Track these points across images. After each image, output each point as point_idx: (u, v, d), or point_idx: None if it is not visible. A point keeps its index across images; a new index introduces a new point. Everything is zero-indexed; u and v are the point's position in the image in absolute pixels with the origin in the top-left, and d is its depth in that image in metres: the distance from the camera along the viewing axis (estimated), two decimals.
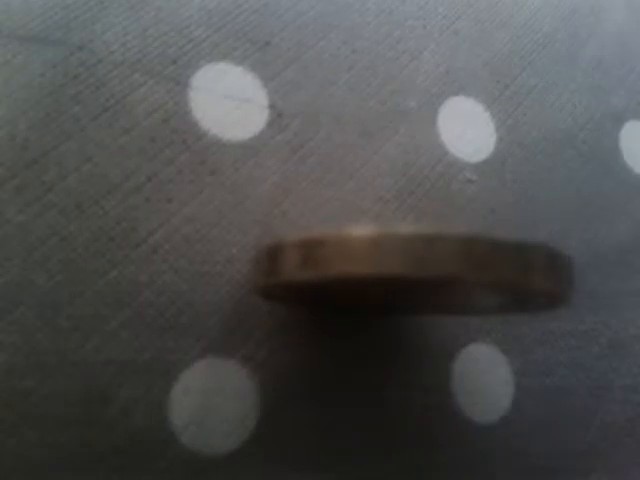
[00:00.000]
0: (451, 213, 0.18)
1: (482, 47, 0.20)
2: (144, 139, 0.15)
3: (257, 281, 0.12)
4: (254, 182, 0.16)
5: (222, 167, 0.16)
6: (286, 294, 0.13)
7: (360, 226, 0.11)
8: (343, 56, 0.18)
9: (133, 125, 0.15)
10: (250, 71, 0.17)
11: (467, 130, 0.19)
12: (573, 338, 0.19)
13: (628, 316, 0.20)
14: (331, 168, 0.17)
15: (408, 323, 0.17)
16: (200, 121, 0.16)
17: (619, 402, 0.19)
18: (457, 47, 0.20)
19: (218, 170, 0.16)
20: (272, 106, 0.17)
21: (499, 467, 0.17)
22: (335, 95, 0.17)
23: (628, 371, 0.19)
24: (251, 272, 0.14)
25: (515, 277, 0.11)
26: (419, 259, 0.10)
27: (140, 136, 0.15)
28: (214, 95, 0.16)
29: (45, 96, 0.14)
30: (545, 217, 0.20)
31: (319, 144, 0.17)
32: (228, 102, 0.16)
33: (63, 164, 0.14)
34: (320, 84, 0.17)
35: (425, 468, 0.16)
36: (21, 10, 0.15)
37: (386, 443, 0.16)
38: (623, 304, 0.20)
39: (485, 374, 0.17)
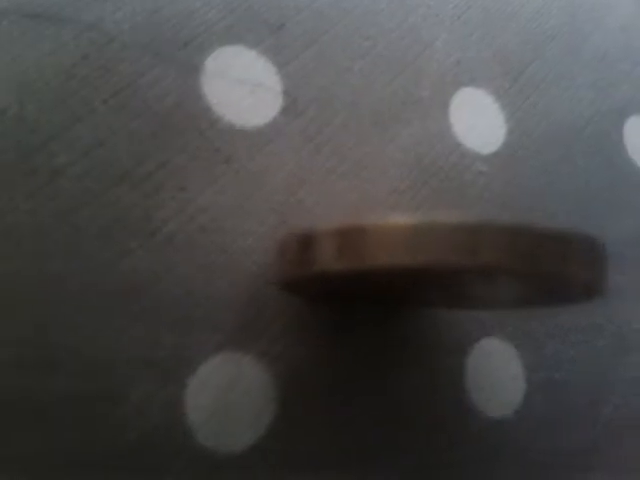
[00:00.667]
0: (464, 204, 0.18)
1: (492, 37, 0.20)
2: (156, 124, 0.14)
3: (284, 273, 0.12)
4: (269, 170, 0.15)
5: (236, 154, 0.15)
6: (315, 286, 0.12)
7: (399, 215, 0.10)
8: (357, 43, 0.17)
9: (144, 109, 0.14)
10: (263, 55, 0.16)
11: (478, 121, 0.19)
12: (580, 332, 0.19)
13: (632, 310, 0.20)
14: (346, 157, 0.17)
15: (422, 318, 0.16)
16: (213, 106, 0.15)
17: (623, 396, 0.19)
18: (468, 37, 0.19)
19: (232, 157, 0.15)
20: (286, 92, 0.16)
21: (510, 462, 0.17)
22: (350, 82, 0.17)
23: (632, 365, 0.19)
24: (275, 263, 0.13)
25: (556, 268, 0.10)
26: (464, 249, 0.10)
27: (152, 121, 0.14)
28: (227, 79, 0.15)
29: (55, 76, 0.14)
30: (553, 210, 0.19)
31: (334, 132, 0.16)
32: (241, 87, 0.16)
33: (73, 148, 0.13)
34: (335, 70, 0.17)
35: (440, 465, 0.16)
36: None
37: (401, 439, 0.15)
38: (627, 298, 0.20)
39: (498, 369, 0.17)
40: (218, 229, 0.14)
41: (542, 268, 0.10)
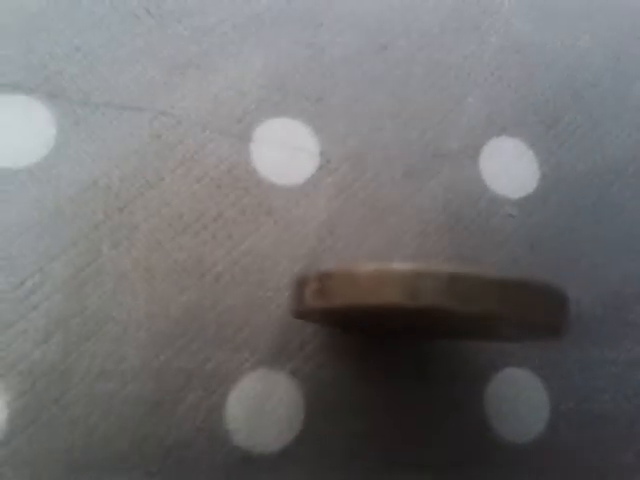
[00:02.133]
0: (490, 247, 0.20)
1: (527, 89, 0.22)
2: (212, 186, 0.18)
3: (290, 306, 0.15)
4: (304, 220, 0.18)
5: (276, 208, 0.18)
6: (313, 317, 0.15)
7: (364, 263, 0.13)
8: (390, 106, 0.20)
9: (203, 175, 0.18)
10: (304, 124, 0.19)
11: (510, 167, 0.21)
12: (614, 366, 0.20)
13: None
14: (375, 206, 0.19)
15: (444, 346, 0.19)
16: (259, 169, 0.19)
17: None
18: (501, 91, 0.21)
19: (273, 210, 0.18)
20: (322, 153, 0.19)
21: None
22: (381, 141, 0.20)
23: None
24: (290, 298, 0.16)
25: (490, 308, 0.12)
26: (410, 291, 0.12)
27: (209, 184, 0.18)
28: (272, 146, 0.19)
29: (133, 152, 0.18)
30: (588, 250, 0.20)
31: (365, 184, 0.19)
32: (284, 151, 0.19)
33: (147, 208, 0.18)
34: (367, 132, 0.20)
35: None
36: (117, 82, 0.18)
37: (420, 455, 0.18)
38: None
39: (519, 398, 0.19)
40: (258, 270, 0.18)
41: (472, 309, 0.12)
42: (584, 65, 0.22)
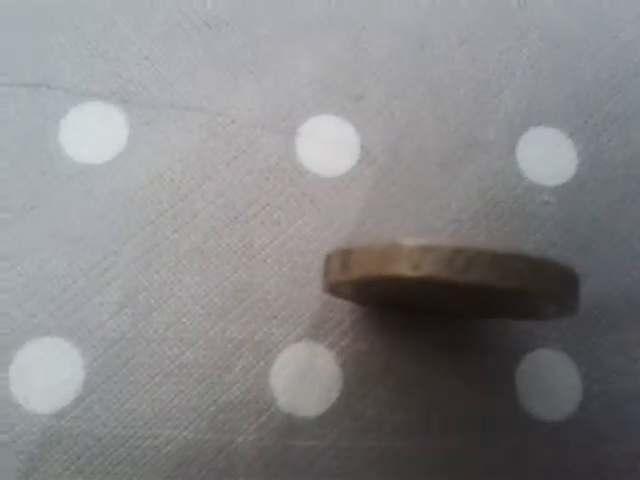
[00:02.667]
0: (525, 233, 0.21)
1: (566, 81, 0.22)
2: (261, 178, 0.20)
3: (322, 281, 0.17)
4: (344, 208, 0.20)
5: (319, 197, 0.20)
6: (341, 292, 0.17)
7: (379, 240, 0.14)
8: (427, 101, 0.21)
9: (253, 168, 0.20)
10: (346, 120, 0.21)
11: (547, 156, 0.21)
12: None
13: None
14: (411, 195, 0.21)
15: (477, 324, 0.20)
16: (304, 162, 0.20)
17: None
18: (540, 83, 0.22)
19: (316, 199, 0.20)
20: (362, 146, 0.21)
21: (558, 465, 0.19)
22: (417, 134, 0.21)
23: None
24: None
25: (489, 282, 0.14)
26: (414, 263, 0.14)
27: (259, 176, 0.20)
28: (315, 141, 0.21)
29: (193, 148, 0.20)
30: (626, 235, 0.21)
31: (401, 174, 0.21)
32: (327, 145, 0.21)
33: (204, 198, 0.20)
34: (405, 126, 0.21)
35: (483, 450, 0.19)
36: (180, 87, 0.21)
37: (449, 426, 0.19)
38: None
39: (550, 378, 0.19)
40: (301, 253, 0.20)
41: (470, 279, 0.13)
42: (626, 56, 0.23)
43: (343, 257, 0.15)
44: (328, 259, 0.16)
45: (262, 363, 0.19)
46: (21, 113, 0.20)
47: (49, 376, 0.18)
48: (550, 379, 0.19)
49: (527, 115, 0.22)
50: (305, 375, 0.19)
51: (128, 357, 0.18)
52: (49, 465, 0.17)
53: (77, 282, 0.19)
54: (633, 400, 0.20)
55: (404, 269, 0.14)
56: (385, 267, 0.14)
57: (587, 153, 0.21)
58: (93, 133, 0.20)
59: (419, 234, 0.20)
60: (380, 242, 0.14)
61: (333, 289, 0.16)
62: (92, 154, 0.20)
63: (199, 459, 0.18)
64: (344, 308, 0.19)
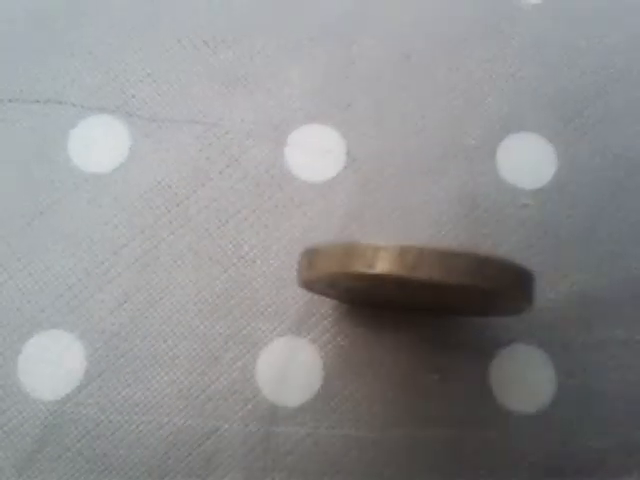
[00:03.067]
0: (503, 234, 0.21)
1: (548, 87, 0.23)
2: (252, 184, 0.22)
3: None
4: (330, 212, 0.21)
5: (306, 202, 0.22)
6: (313, 287, 0.18)
7: (340, 241, 0.16)
8: (411, 110, 0.23)
9: (245, 175, 0.22)
10: (333, 128, 0.22)
11: (527, 160, 0.22)
12: (626, 347, 0.21)
13: None
14: (394, 199, 0.22)
15: (453, 321, 0.21)
16: (292, 169, 0.22)
17: None
18: (521, 90, 0.23)
19: (303, 204, 0.21)
20: (348, 153, 0.22)
21: (529, 455, 0.20)
22: (401, 142, 0.22)
23: None
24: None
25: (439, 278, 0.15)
26: (369, 262, 0.15)
27: (249, 183, 0.22)
28: (304, 149, 0.22)
29: (190, 158, 0.22)
30: (604, 236, 0.21)
31: (385, 180, 0.22)
32: (314, 153, 0.22)
33: (198, 203, 0.21)
34: (389, 134, 0.22)
35: (457, 441, 0.20)
36: (179, 101, 0.22)
37: (424, 417, 0.20)
38: None
39: (524, 372, 0.20)
40: (288, 254, 0.21)
41: (418, 276, 0.14)
42: (610, 61, 0.23)
43: (309, 256, 0.16)
44: (300, 257, 0.17)
45: (248, 356, 0.20)
46: (33, 127, 0.22)
47: (54, 366, 0.20)
48: (524, 373, 0.20)
49: (508, 121, 0.23)
50: (288, 367, 0.20)
51: (126, 349, 0.20)
52: (52, 447, 0.19)
53: (81, 280, 0.21)
54: (606, 396, 0.20)
55: (360, 267, 0.15)
56: (344, 265, 0.15)
57: (566, 157, 0.22)
58: (98, 144, 0.22)
59: (401, 236, 0.21)
60: (341, 243, 0.16)
61: (306, 285, 0.18)
62: (97, 164, 0.22)
63: (188, 443, 0.19)
64: (326, 306, 0.21)
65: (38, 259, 0.21)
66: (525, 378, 0.20)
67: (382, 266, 0.15)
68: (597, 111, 0.23)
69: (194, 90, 0.23)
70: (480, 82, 0.23)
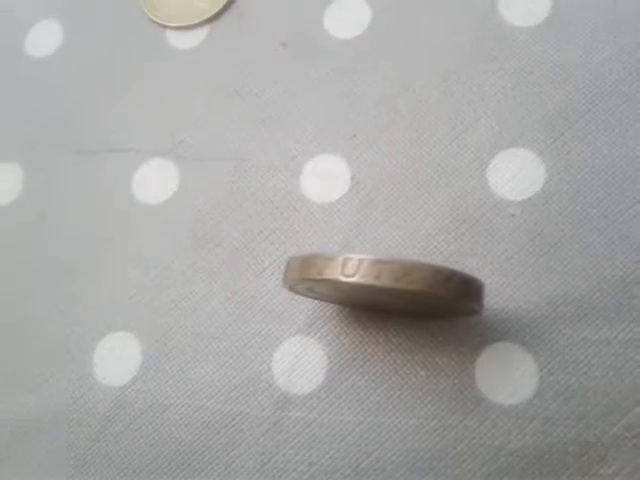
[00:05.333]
0: (491, 243, 0.24)
1: (538, 104, 0.25)
2: (272, 208, 0.26)
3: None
4: (337, 228, 0.25)
5: (316, 221, 0.25)
6: (298, 291, 0.22)
7: (311, 252, 0.19)
8: (409, 135, 0.25)
9: (267, 200, 0.26)
10: (340, 156, 0.26)
11: (516, 174, 0.24)
12: (609, 345, 0.22)
13: None
14: (392, 216, 0.25)
15: (442, 322, 0.23)
16: (305, 193, 0.26)
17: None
18: (513, 109, 0.25)
19: (313, 223, 0.25)
20: (353, 177, 0.25)
21: (509, 444, 0.22)
22: (400, 164, 0.25)
23: None
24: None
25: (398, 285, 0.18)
26: (319, 271, 0.18)
27: (270, 206, 0.26)
28: (315, 175, 0.26)
29: (222, 188, 0.26)
30: (589, 242, 0.23)
31: (385, 199, 0.25)
32: (324, 178, 0.26)
33: (230, 226, 0.26)
34: (389, 158, 0.25)
35: (441, 429, 0.22)
36: (217, 142, 0.27)
37: (413, 403, 0.22)
38: None
39: (508, 368, 0.22)
40: None
41: (370, 283, 0.18)
42: (602, 75, 0.25)
43: (286, 265, 0.20)
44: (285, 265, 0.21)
45: (266, 352, 0.24)
46: (103, 171, 0.28)
47: (119, 359, 0.25)
48: (507, 369, 0.22)
49: (499, 139, 0.25)
50: (298, 362, 0.24)
51: (173, 346, 0.25)
52: (117, 424, 0.24)
53: (140, 291, 0.26)
54: (587, 391, 0.22)
55: (313, 274, 0.18)
56: (301, 273, 0.19)
57: (555, 169, 0.24)
58: (154, 182, 0.27)
59: (397, 248, 0.24)
60: (304, 254, 0.19)
61: (289, 289, 0.21)
62: (152, 197, 0.27)
63: (218, 423, 0.24)
64: (330, 311, 0.24)
65: (108, 275, 0.26)
66: (508, 374, 0.22)
67: (328, 273, 0.18)
68: (587, 125, 0.24)
69: (227, 132, 0.27)
70: (473, 105, 0.25)
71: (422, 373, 0.23)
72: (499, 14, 0.26)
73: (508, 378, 0.22)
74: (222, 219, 0.26)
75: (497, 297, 0.23)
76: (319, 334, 0.24)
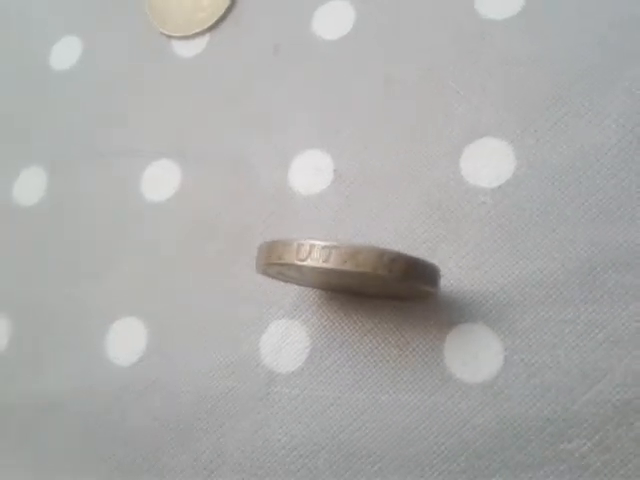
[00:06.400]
0: (462, 229, 0.25)
1: (511, 95, 0.26)
2: (265, 201, 0.28)
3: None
4: (319, 219, 0.27)
5: (302, 213, 0.27)
6: (270, 274, 0.24)
7: (276, 239, 0.21)
8: (389, 128, 0.27)
9: (259, 195, 0.28)
10: (325, 151, 0.28)
11: (489, 162, 0.25)
12: (572, 325, 0.23)
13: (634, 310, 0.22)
14: (372, 205, 0.26)
15: (414, 304, 0.24)
16: (293, 187, 0.28)
17: (612, 384, 0.22)
18: (488, 101, 0.26)
19: (298, 214, 0.27)
20: (335, 171, 0.27)
21: (473, 419, 0.23)
22: (380, 157, 0.27)
23: (629, 360, 0.22)
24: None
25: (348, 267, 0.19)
26: (279, 255, 0.20)
27: (263, 199, 0.28)
28: (302, 170, 0.28)
29: (222, 186, 0.29)
30: (556, 225, 0.24)
31: (365, 190, 0.26)
32: (309, 172, 0.27)
33: (227, 220, 0.28)
34: (370, 151, 0.27)
35: (411, 405, 0.23)
36: (216, 145, 0.29)
37: (385, 380, 0.24)
38: (630, 298, 0.22)
39: (474, 346, 0.23)
40: None
41: (323, 266, 0.19)
42: (573, 63, 0.25)
43: (259, 249, 0.22)
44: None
45: (255, 334, 0.26)
46: (116, 173, 0.30)
47: (127, 341, 0.28)
48: (474, 348, 0.23)
49: (473, 129, 0.26)
50: (283, 343, 0.26)
51: (174, 330, 0.27)
52: (126, 398, 0.27)
53: (146, 282, 0.28)
54: (549, 370, 0.22)
55: (274, 259, 0.20)
56: (267, 258, 0.21)
57: (525, 157, 0.25)
58: (160, 181, 0.30)
59: (375, 236, 0.26)
60: (268, 241, 0.21)
61: (263, 273, 0.23)
62: (158, 195, 0.30)
63: (212, 398, 0.26)
64: (314, 296, 0.26)
65: (118, 267, 0.29)
66: (475, 353, 0.23)
67: (286, 258, 0.20)
68: (557, 112, 0.25)
69: (225, 133, 0.29)
70: (449, 98, 0.26)
71: (395, 352, 0.24)
72: (476, 9, 0.27)
73: (474, 357, 0.23)
74: (219, 213, 0.28)
75: (467, 280, 0.24)
76: (303, 317, 0.26)
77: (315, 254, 0.19)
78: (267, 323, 0.26)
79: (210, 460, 0.25)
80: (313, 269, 0.20)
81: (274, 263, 0.20)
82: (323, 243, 0.19)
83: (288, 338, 0.26)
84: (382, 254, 0.19)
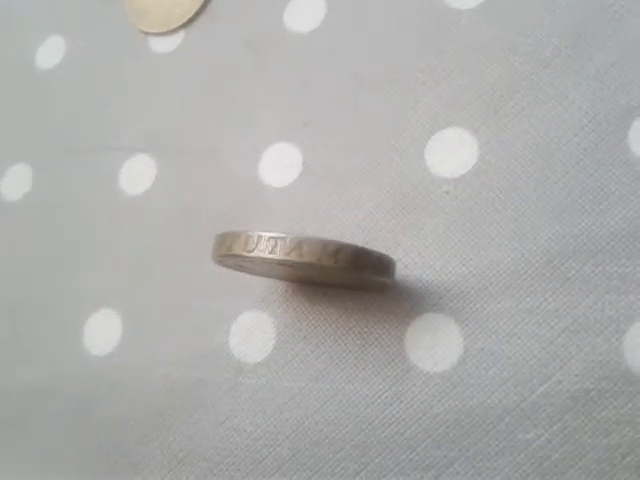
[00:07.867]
0: (425, 219, 0.25)
1: (475, 84, 0.25)
2: (237, 193, 0.28)
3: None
4: (290, 208, 0.27)
5: (273, 204, 0.27)
6: (227, 265, 0.24)
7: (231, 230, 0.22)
8: (356, 121, 0.27)
9: (232, 187, 0.28)
10: (293, 144, 0.28)
11: (452, 152, 0.25)
12: (531, 315, 0.22)
13: (600, 298, 0.22)
14: (339, 196, 0.26)
15: (376, 295, 0.25)
16: (263, 179, 0.28)
17: (571, 374, 0.21)
18: (453, 91, 0.26)
19: (270, 204, 0.27)
20: (304, 163, 0.27)
21: (433, 408, 0.23)
22: (346, 150, 0.27)
23: (589, 350, 0.22)
24: None
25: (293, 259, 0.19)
26: (228, 247, 0.20)
27: (235, 192, 0.28)
28: (272, 163, 0.28)
29: (198, 179, 0.29)
30: (517, 216, 0.24)
31: (332, 182, 0.27)
32: (279, 164, 0.28)
33: (202, 212, 0.29)
34: (336, 145, 0.27)
35: (373, 395, 0.24)
36: (191, 139, 0.30)
37: (348, 369, 0.24)
38: (598, 287, 0.22)
39: (435, 336, 0.23)
40: None
41: (273, 257, 0.20)
42: (539, 49, 0.25)
43: (215, 240, 0.22)
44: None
45: (225, 326, 0.27)
46: (97, 168, 0.31)
47: (104, 332, 0.28)
48: (435, 338, 0.23)
49: (437, 120, 0.26)
50: (252, 333, 0.26)
51: (148, 321, 0.28)
52: (103, 385, 0.28)
53: (123, 275, 0.29)
54: (508, 359, 0.22)
55: (224, 250, 0.21)
56: (219, 249, 0.21)
57: (488, 146, 0.25)
58: (137, 176, 0.30)
59: (341, 228, 0.26)
60: (221, 233, 0.21)
61: (220, 264, 0.24)
62: (135, 189, 0.30)
63: (184, 387, 0.26)
64: (281, 288, 0.26)
65: (96, 259, 0.30)
66: (435, 343, 0.23)
67: (235, 249, 0.20)
68: (521, 99, 0.25)
69: (199, 128, 0.30)
70: (414, 89, 0.26)
71: (358, 343, 0.24)
72: (442, 1, 0.27)
73: (435, 347, 0.23)
74: (192, 207, 0.29)
75: (428, 270, 0.24)
76: (270, 309, 0.26)
77: (262, 245, 0.20)
78: (237, 314, 0.27)
79: (180, 449, 0.26)
80: (261, 260, 0.20)
81: (225, 255, 0.21)
82: (269, 234, 0.20)
83: (256, 329, 0.26)
84: (326, 245, 0.19)
